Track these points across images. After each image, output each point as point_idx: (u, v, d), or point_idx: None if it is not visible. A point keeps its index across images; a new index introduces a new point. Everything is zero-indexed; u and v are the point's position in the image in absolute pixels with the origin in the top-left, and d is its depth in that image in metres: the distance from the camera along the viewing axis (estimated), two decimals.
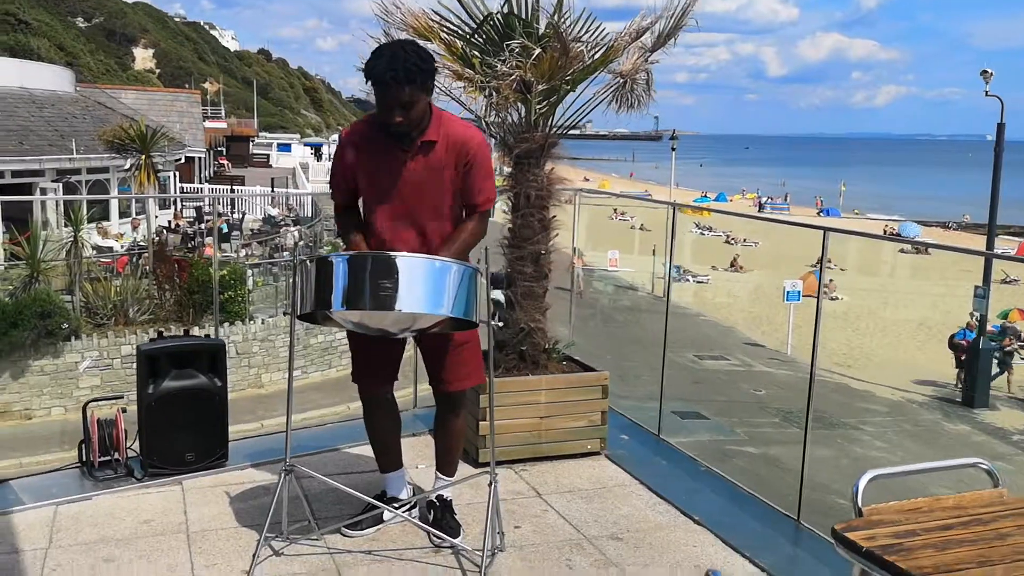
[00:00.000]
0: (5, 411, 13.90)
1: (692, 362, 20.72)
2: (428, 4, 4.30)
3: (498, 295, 4.49)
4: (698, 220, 47.17)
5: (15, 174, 20.81)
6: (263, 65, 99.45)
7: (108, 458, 4.11)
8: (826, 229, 3.67)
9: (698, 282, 32.41)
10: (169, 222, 25.11)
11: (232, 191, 33.27)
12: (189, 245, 20.92)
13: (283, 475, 3.32)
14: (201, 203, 27.44)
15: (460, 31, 4.29)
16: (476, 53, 4.23)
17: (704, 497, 4.11)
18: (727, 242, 43.54)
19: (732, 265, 36.55)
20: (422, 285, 2.99)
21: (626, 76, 4.24)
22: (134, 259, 17.74)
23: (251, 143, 56.90)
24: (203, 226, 23.96)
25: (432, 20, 4.25)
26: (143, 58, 69.06)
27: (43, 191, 21.32)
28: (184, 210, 28.27)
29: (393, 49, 3.15)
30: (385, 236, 3.33)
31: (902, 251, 40.93)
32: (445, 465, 3.66)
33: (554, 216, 4.43)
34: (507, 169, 4.50)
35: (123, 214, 24.41)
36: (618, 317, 26.29)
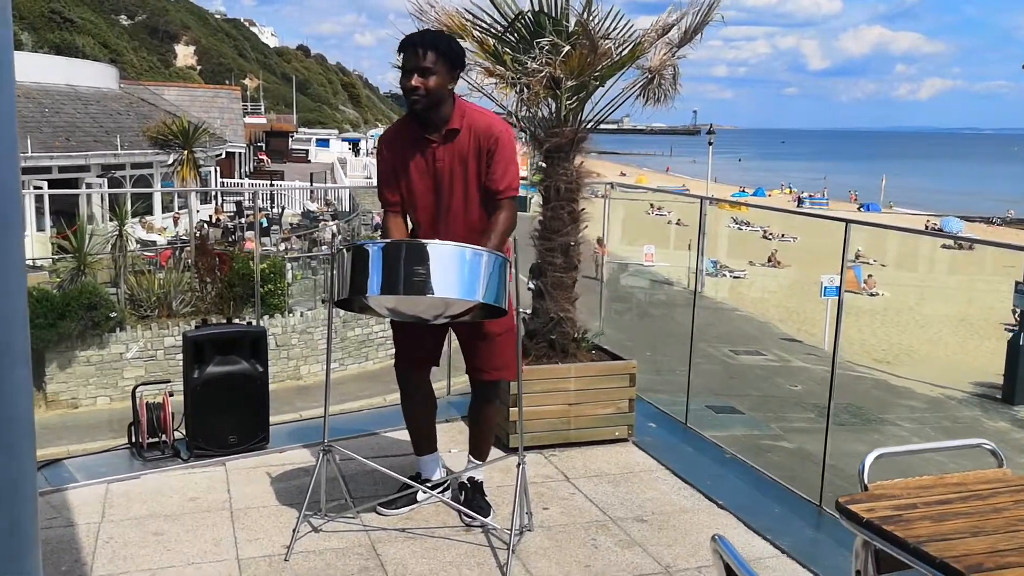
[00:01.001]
0: (53, 400, 14.30)
1: (727, 357, 20.69)
2: (461, 3, 4.44)
3: (529, 285, 4.62)
4: (735, 215, 46.89)
5: (62, 169, 21.35)
6: (302, 61, 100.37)
7: (156, 440, 4.32)
8: (848, 222, 3.76)
9: (734, 277, 32.28)
10: (210, 216, 25.54)
11: (272, 186, 33.71)
12: (230, 239, 21.29)
13: (321, 455, 3.48)
14: (241, 197, 27.89)
15: (492, 30, 4.42)
16: (507, 50, 4.36)
17: (728, 483, 4.21)
18: (764, 237, 43.25)
19: (769, 260, 36.33)
20: (454, 272, 3.12)
21: (654, 72, 4.34)
22: (177, 252, 18.10)
23: (290, 139, 57.56)
24: (243, 220, 24.35)
25: (465, 19, 4.39)
26: (184, 55, 70.03)
27: (89, 186, 21.84)
28: (225, 204, 28.73)
29: (428, 29, 3.48)
30: (423, 226, 3.49)
31: (944, 246, 40.35)
32: (477, 450, 3.80)
33: (583, 208, 4.55)
34: (542, 165, 4.62)
35: (166, 208, 24.93)
36: (654, 312, 26.28)
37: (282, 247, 21.68)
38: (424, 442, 3.80)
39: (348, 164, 48.00)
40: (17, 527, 1.51)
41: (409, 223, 3.60)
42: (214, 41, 75.64)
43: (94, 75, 27.18)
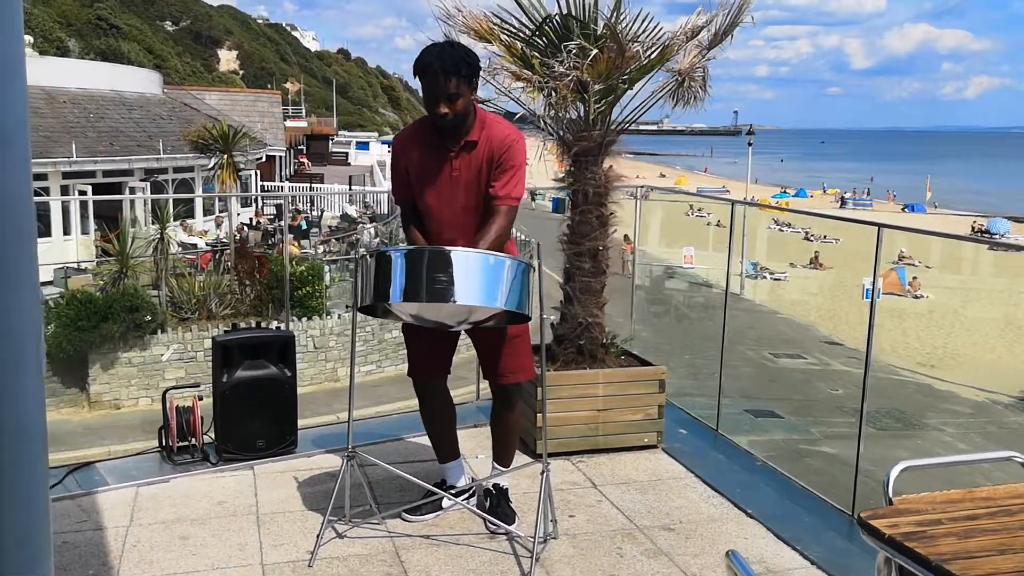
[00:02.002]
0: (96, 400, 14.52)
1: (767, 360, 20.43)
2: (488, 5, 4.42)
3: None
4: (776, 216, 46.30)
5: (106, 174, 21.72)
6: (342, 65, 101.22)
7: (186, 443, 4.35)
8: (880, 225, 3.67)
9: (775, 279, 31.91)
10: (250, 219, 25.81)
11: (311, 189, 34.00)
12: (269, 242, 21.49)
13: (345, 461, 3.48)
14: (281, 201, 28.15)
15: (520, 34, 4.39)
16: (535, 54, 4.33)
17: (759, 491, 4.14)
18: (806, 239, 42.68)
19: (811, 262, 35.84)
20: (477, 279, 3.11)
21: (683, 74, 4.29)
22: (217, 255, 18.30)
23: (330, 142, 57.98)
24: (283, 223, 24.55)
25: (492, 23, 4.37)
26: (227, 60, 70.95)
27: (132, 190, 22.21)
28: (265, 208, 29.03)
29: (441, 46, 3.35)
30: (437, 235, 3.47)
31: (992, 248, 39.53)
32: (501, 456, 3.78)
33: (612, 212, 4.51)
34: (571, 169, 4.57)
35: (207, 212, 25.22)
36: (692, 315, 26.06)
37: (321, 250, 21.85)
38: (446, 449, 3.79)
39: (387, 167, 48.15)
40: (28, 537, 1.51)
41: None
42: (256, 46, 76.56)
43: (138, 81, 27.59)
